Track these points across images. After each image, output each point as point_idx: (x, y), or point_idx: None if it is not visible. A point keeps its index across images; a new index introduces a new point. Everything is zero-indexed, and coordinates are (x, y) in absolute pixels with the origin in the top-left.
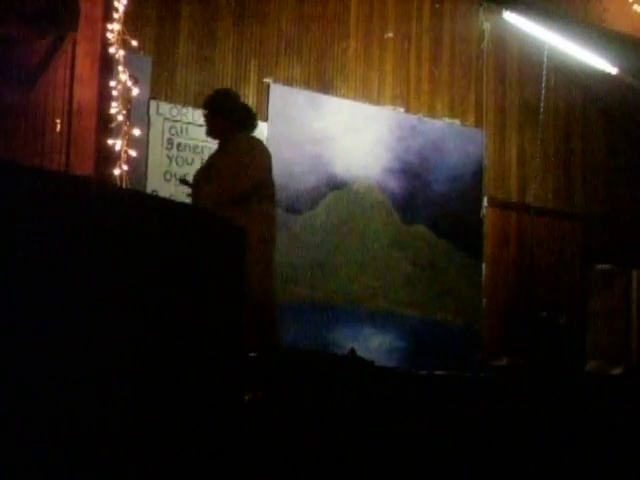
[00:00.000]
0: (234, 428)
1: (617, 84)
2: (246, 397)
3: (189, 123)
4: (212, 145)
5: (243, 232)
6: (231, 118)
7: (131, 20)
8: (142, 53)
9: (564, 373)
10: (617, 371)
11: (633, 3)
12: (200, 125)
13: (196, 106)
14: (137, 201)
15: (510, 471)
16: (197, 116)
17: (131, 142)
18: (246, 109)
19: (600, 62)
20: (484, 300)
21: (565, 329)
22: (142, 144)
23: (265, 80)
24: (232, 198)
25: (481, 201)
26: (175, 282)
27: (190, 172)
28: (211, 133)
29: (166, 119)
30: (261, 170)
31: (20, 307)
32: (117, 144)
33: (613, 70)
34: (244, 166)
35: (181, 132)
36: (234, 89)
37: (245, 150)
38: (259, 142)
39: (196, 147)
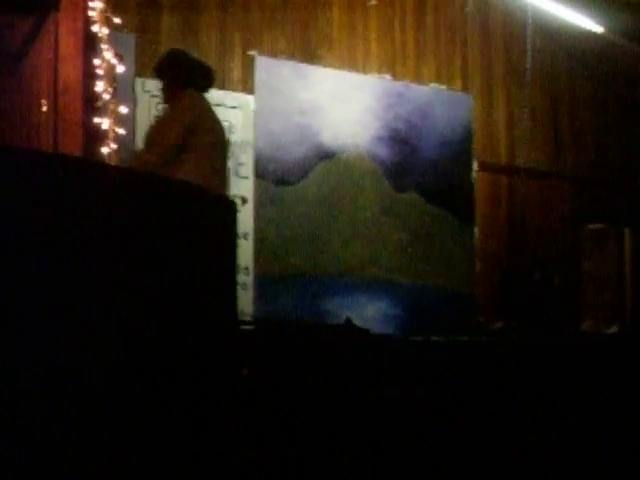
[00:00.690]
0: (233, 403)
1: (603, 43)
2: (244, 371)
3: None
4: None
5: (233, 205)
6: (176, 80)
7: None
8: (125, 30)
9: (560, 333)
10: (612, 330)
11: None
12: None
13: None
14: (126, 179)
15: (508, 433)
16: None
17: (118, 120)
18: (193, 68)
19: (585, 21)
20: (477, 264)
21: (559, 289)
22: (129, 122)
23: (250, 53)
24: (160, 155)
25: (471, 165)
26: (167, 258)
27: None
28: (163, 99)
29: (153, 96)
30: (185, 120)
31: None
32: (104, 122)
33: (599, 29)
34: (167, 120)
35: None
36: (219, 63)
37: (172, 106)
38: (190, 93)
39: None
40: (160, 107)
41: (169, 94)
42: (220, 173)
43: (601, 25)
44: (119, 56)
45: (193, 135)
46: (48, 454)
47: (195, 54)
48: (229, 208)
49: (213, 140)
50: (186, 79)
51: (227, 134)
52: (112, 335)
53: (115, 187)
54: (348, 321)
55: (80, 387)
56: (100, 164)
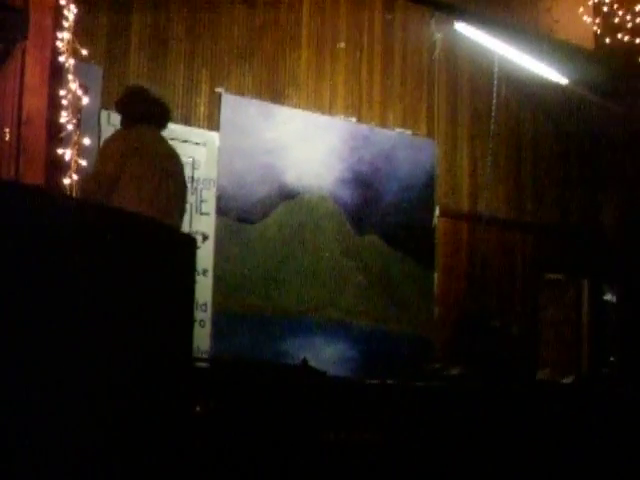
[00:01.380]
0: (184, 439)
1: (568, 94)
2: (197, 408)
3: None
4: None
5: (193, 241)
6: (132, 116)
7: (82, 29)
8: (93, 62)
9: (516, 382)
10: (568, 380)
11: (583, 14)
12: None
13: None
14: (85, 211)
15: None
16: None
17: (82, 151)
18: (149, 105)
19: (550, 73)
20: (436, 309)
21: (517, 338)
22: (93, 154)
23: (217, 90)
24: (99, 183)
25: (433, 211)
26: (120, 293)
27: None
28: None
29: (117, 129)
30: (117, 153)
31: None
32: (67, 153)
33: (563, 80)
34: (106, 150)
35: None
36: (186, 99)
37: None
38: (137, 128)
39: None
40: None
41: (125, 128)
42: (156, 204)
43: (565, 77)
44: (84, 87)
45: (127, 165)
46: None
47: (156, 90)
48: (188, 244)
49: (150, 172)
50: (140, 116)
51: (187, 169)
52: (58, 375)
53: (69, 219)
54: (304, 362)
55: (24, 431)
56: (53, 194)
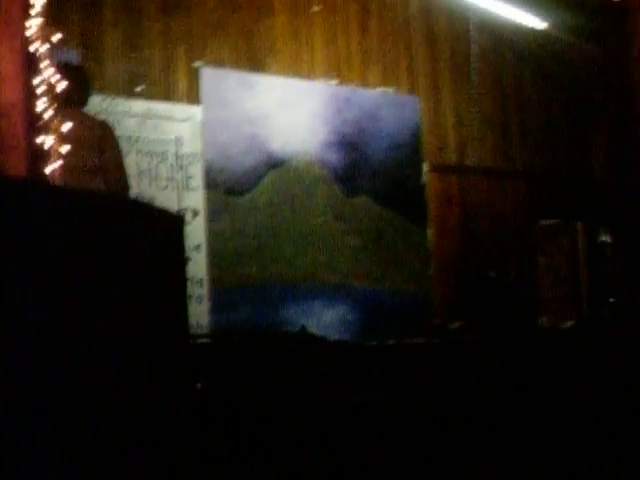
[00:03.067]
0: (187, 418)
1: (548, 40)
2: (198, 385)
3: (122, 114)
4: (147, 135)
5: (181, 220)
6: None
7: (54, 14)
8: (67, 47)
9: (517, 331)
10: (569, 324)
11: None
12: (133, 116)
13: (128, 96)
14: (74, 198)
15: (467, 434)
16: (129, 106)
17: (62, 139)
18: None
19: (529, 18)
20: (432, 265)
21: (515, 287)
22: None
23: (195, 64)
24: None
25: (421, 167)
26: (114, 274)
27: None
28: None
29: (97, 112)
30: None
31: None
32: (48, 141)
33: (542, 25)
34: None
35: (114, 123)
36: (164, 76)
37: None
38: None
39: (129, 138)
40: None
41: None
42: None
43: (545, 21)
44: (62, 72)
45: None
46: None
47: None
48: (175, 222)
49: None
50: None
51: (171, 147)
52: (58, 356)
53: (59, 206)
54: (303, 329)
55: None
56: (45, 185)
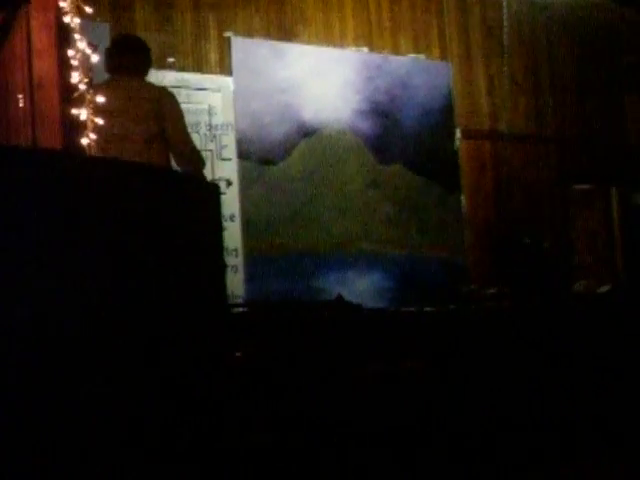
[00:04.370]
0: (227, 386)
1: (581, 2)
2: (237, 354)
3: None
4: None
5: (217, 188)
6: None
7: None
8: (98, 20)
9: (552, 296)
10: (604, 289)
11: None
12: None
13: (159, 67)
14: (112, 169)
15: (504, 401)
16: (161, 77)
17: (96, 110)
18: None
19: None
20: (466, 232)
21: (550, 253)
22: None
23: (225, 34)
24: None
25: (454, 133)
26: (157, 244)
27: None
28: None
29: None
30: None
31: None
32: (82, 113)
33: None
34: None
35: None
36: (195, 47)
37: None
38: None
39: None
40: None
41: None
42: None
43: None
44: (93, 46)
45: None
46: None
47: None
48: (212, 191)
49: None
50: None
51: (204, 117)
52: (101, 324)
53: (95, 177)
54: (339, 297)
55: (67, 376)
56: (82, 157)
